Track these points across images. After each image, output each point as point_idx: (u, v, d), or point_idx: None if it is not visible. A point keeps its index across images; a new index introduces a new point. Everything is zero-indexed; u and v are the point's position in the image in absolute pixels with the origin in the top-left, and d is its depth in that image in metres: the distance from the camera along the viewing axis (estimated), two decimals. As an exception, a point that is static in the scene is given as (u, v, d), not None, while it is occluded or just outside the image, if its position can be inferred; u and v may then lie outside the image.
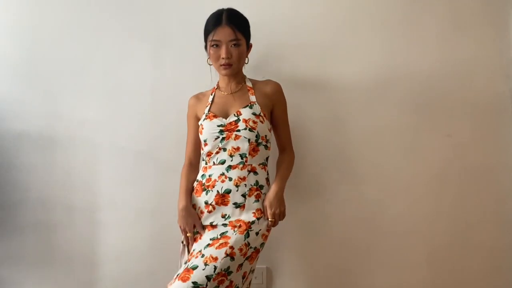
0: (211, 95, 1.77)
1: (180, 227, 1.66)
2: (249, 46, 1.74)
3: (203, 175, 1.70)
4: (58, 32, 1.98)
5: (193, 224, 1.64)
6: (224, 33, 1.64)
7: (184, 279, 1.47)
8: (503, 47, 2.05)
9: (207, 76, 1.95)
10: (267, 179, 1.71)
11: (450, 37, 2.03)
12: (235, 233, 1.57)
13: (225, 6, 1.71)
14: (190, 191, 1.70)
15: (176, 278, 1.50)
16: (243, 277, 1.58)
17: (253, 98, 1.71)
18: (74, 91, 1.97)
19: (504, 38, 2.05)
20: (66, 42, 1.98)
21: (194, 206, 1.68)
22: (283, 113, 1.77)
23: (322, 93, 1.99)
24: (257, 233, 1.59)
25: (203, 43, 1.93)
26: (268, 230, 1.64)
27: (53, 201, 1.95)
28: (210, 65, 1.75)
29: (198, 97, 1.80)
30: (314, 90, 1.99)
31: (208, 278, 1.47)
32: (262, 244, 1.62)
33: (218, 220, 1.63)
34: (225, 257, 1.51)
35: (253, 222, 1.60)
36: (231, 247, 1.53)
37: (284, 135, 1.79)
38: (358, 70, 2.00)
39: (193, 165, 1.79)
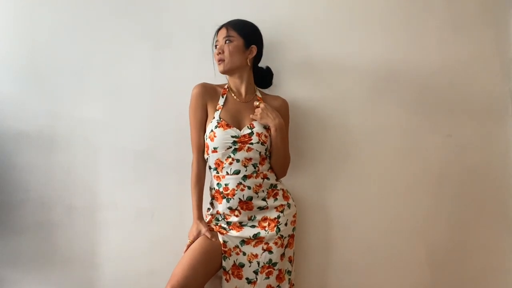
0: (222, 96, 1.79)
1: (189, 236, 1.70)
2: (250, 48, 1.79)
3: (218, 183, 1.73)
4: (58, 32, 1.98)
5: (198, 235, 1.69)
6: (220, 33, 1.79)
7: (239, 277, 1.68)
8: (503, 47, 2.05)
9: (207, 76, 1.96)
10: (276, 179, 1.80)
11: (450, 37, 2.03)
12: (267, 232, 1.71)
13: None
14: (201, 202, 1.75)
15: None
16: (290, 261, 1.77)
17: None
18: (74, 91, 1.97)
19: (504, 38, 2.05)
20: (66, 42, 1.98)
21: (217, 212, 1.74)
22: (286, 128, 1.82)
23: (322, 94, 1.99)
24: (286, 224, 1.74)
25: (203, 43, 1.94)
26: (294, 216, 1.79)
27: (53, 201, 1.95)
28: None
29: (206, 88, 1.79)
30: (314, 90, 1.99)
31: (256, 272, 1.68)
32: (294, 229, 1.79)
33: (246, 221, 1.72)
34: (263, 252, 1.70)
35: (278, 217, 1.73)
36: (266, 243, 1.71)
37: None
38: (357, 71, 2.01)
39: (203, 156, 1.78)
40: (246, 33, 1.78)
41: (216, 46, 1.79)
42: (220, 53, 1.75)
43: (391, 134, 2.01)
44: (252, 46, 1.79)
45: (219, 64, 1.76)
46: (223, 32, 1.77)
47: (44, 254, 1.95)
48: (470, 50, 2.04)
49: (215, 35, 1.81)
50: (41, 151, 1.95)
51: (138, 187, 1.96)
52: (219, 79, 1.88)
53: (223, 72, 1.78)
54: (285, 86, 1.97)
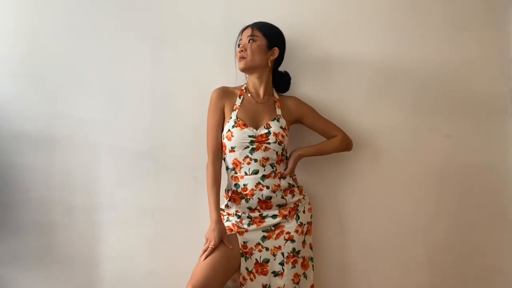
0: (239, 97, 1.80)
1: (207, 238, 1.66)
2: (272, 50, 1.80)
3: (236, 184, 1.74)
4: (58, 32, 1.98)
5: (220, 239, 1.65)
6: (245, 33, 1.81)
7: (264, 273, 1.70)
8: (503, 47, 2.05)
9: (206, 75, 1.96)
10: (291, 177, 1.82)
11: (450, 37, 2.03)
12: (287, 221, 1.75)
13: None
14: (219, 203, 1.73)
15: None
16: (310, 248, 1.82)
17: (279, 112, 1.81)
18: (74, 91, 1.97)
19: (504, 38, 2.05)
20: (66, 42, 1.98)
21: (237, 211, 1.74)
22: (314, 115, 1.88)
23: (322, 93, 1.99)
24: (304, 211, 1.80)
25: (204, 43, 1.94)
26: (309, 203, 1.84)
27: (53, 201, 1.95)
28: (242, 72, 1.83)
29: (225, 91, 1.82)
30: (314, 90, 1.99)
31: (282, 263, 1.71)
32: (311, 216, 1.84)
33: (266, 212, 1.74)
34: (286, 242, 1.72)
35: (297, 205, 1.78)
36: (288, 232, 1.73)
37: (327, 126, 1.88)
38: (358, 70, 2.00)
39: (219, 158, 1.78)
40: (270, 35, 1.80)
41: (239, 45, 1.80)
42: (242, 50, 1.77)
43: (391, 134, 2.01)
44: (275, 48, 1.81)
45: (240, 61, 1.77)
46: (248, 31, 1.79)
47: (44, 254, 1.95)
48: (470, 50, 2.04)
49: (239, 34, 1.83)
50: (41, 151, 1.95)
51: (138, 187, 1.96)
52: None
53: (243, 69, 1.79)
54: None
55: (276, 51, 1.81)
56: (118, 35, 1.99)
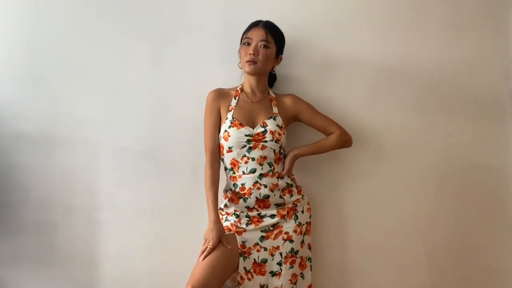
0: (235, 98, 1.80)
1: (206, 238, 1.66)
2: (278, 57, 1.82)
3: (234, 184, 1.74)
4: (58, 32, 1.98)
5: (218, 239, 1.65)
6: (257, 33, 1.76)
7: (262, 273, 1.70)
8: (503, 47, 2.05)
9: (206, 76, 1.96)
10: (289, 177, 1.82)
11: (450, 37, 2.03)
12: (285, 221, 1.74)
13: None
14: (217, 203, 1.72)
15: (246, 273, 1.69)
16: (309, 248, 1.82)
17: (275, 110, 1.81)
18: (74, 91, 1.97)
19: (504, 38, 2.05)
20: (66, 42, 1.98)
21: (236, 211, 1.74)
22: (312, 111, 1.86)
23: (322, 93, 1.99)
24: (302, 211, 1.80)
25: (203, 43, 1.93)
26: (308, 203, 1.84)
27: (53, 201, 1.95)
28: (240, 68, 1.81)
29: (220, 93, 1.82)
30: (314, 90, 1.99)
31: (280, 263, 1.71)
32: (310, 216, 1.84)
33: (265, 212, 1.74)
34: (284, 242, 1.72)
35: (296, 205, 1.78)
36: (286, 232, 1.73)
37: (325, 122, 1.86)
38: (358, 70, 2.00)
39: (217, 158, 1.78)
40: (280, 42, 1.81)
41: (247, 43, 1.75)
42: (255, 54, 1.73)
43: (391, 133, 2.01)
44: (280, 55, 1.82)
45: (249, 64, 1.73)
46: (262, 34, 1.74)
47: (44, 254, 1.95)
48: (470, 50, 2.04)
49: (247, 30, 1.78)
50: (41, 151, 1.95)
51: (138, 187, 1.96)
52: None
53: (251, 74, 1.77)
54: (286, 87, 1.97)
55: (280, 59, 1.83)
56: (118, 35, 1.98)
